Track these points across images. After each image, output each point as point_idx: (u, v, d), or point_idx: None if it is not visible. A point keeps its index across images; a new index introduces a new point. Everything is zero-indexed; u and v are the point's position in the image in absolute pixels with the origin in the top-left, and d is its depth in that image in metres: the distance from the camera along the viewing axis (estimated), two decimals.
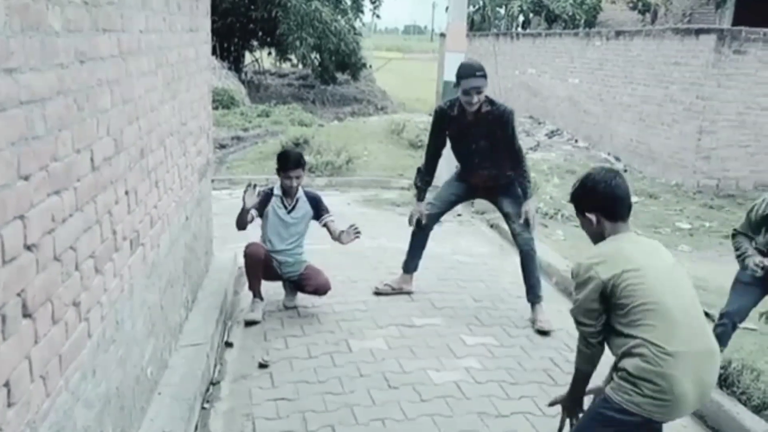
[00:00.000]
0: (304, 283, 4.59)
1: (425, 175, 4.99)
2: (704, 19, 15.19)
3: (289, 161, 4.50)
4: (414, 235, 5.11)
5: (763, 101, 9.08)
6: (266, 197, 4.56)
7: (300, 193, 4.60)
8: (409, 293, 5.05)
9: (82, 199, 2.15)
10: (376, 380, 3.71)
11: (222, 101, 15.31)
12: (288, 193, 4.54)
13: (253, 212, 4.46)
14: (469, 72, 4.42)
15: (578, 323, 2.55)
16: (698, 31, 9.54)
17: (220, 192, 8.06)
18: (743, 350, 4.12)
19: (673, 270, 2.46)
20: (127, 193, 2.69)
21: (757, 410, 3.36)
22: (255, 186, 4.47)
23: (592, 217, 2.57)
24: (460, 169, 4.97)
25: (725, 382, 3.55)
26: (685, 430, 3.40)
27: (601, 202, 2.54)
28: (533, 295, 4.71)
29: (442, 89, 10.07)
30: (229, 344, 4.13)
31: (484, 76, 4.41)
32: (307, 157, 9.73)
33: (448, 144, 4.90)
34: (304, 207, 4.60)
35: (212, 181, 7.65)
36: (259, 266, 4.48)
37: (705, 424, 3.44)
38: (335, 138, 10.96)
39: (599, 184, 2.55)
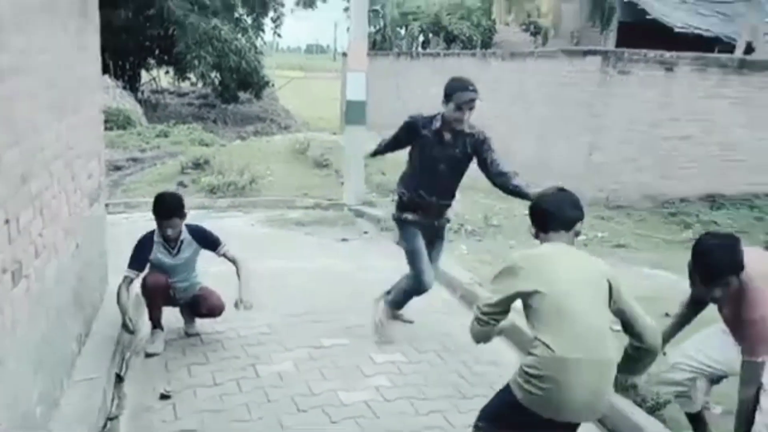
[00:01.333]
0: (198, 305, 4.42)
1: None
2: (590, 41, 16.09)
3: (162, 211, 4.17)
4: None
5: (647, 117, 9.69)
6: (146, 246, 4.25)
7: (183, 234, 4.32)
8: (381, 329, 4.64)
9: None
10: (285, 404, 3.63)
11: (117, 122, 14.72)
12: (168, 239, 4.27)
13: (133, 275, 4.18)
14: (461, 86, 4.17)
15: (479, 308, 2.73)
16: (585, 53, 10.09)
17: (116, 216, 7.72)
18: None
19: (589, 281, 2.57)
20: (7, 221, 2.50)
21: (651, 411, 3.53)
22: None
23: (533, 230, 2.89)
24: (407, 195, 4.48)
25: (621, 386, 3.71)
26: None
27: (534, 216, 2.87)
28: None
29: (345, 108, 10.12)
30: (119, 378, 3.89)
31: (476, 90, 4.18)
32: (208, 178, 9.55)
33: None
34: (189, 247, 4.35)
35: (107, 205, 7.31)
36: (160, 295, 4.30)
37: (604, 426, 3.57)
38: (238, 157, 10.76)
39: (536, 202, 2.92)
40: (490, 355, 4.41)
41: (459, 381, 4.04)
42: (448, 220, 4.73)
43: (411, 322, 4.89)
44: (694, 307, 3.38)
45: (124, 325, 4.04)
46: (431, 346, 4.52)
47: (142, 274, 4.27)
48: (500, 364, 4.29)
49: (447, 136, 4.29)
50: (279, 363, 4.15)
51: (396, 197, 4.68)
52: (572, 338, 2.42)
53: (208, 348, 4.33)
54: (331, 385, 3.88)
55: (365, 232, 7.85)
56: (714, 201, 9.62)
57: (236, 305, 4.21)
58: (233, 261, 4.36)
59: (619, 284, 2.61)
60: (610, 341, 2.53)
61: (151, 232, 4.28)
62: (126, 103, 17.25)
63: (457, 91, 4.15)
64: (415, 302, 5.39)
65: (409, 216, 4.50)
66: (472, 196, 9.60)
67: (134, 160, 12.05)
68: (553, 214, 2.78)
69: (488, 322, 2.71)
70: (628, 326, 2.65)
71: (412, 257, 4.52)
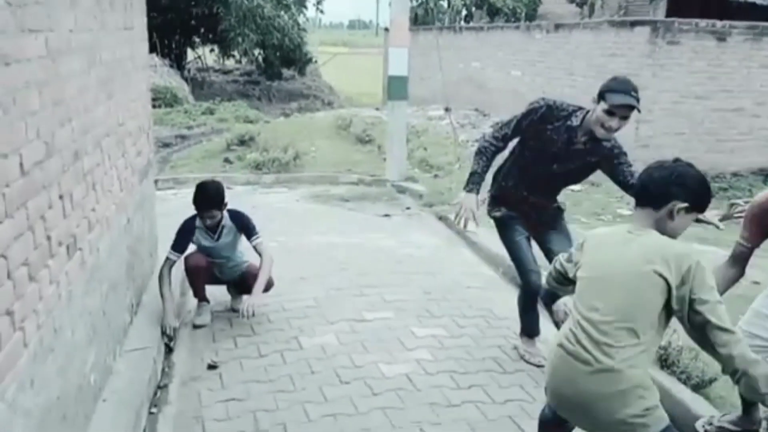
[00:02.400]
0: (246, 283, 4.49)
1: (484, 164, 3.78)
2: (639, 11, 15.61)
3: (202, 203, 4.19)
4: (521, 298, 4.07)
5: (696, 90, 9.40)
6: (188, 231, 4.30)
7: (224, 220, 4.35)
8: (538, 366, 3.86)
9: (11, 205, 2.08)
10: (328, 376, 3.71)
11: (164, 99, 15.00)
12: (209, 227, 4.33)
13: (175, 257, 4.25)
14: (621, 87, 3.47)
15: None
16: (633, 23, 9.80)
17: (165, 192, 7.91)
18: (682, 330, 4.25)
19: (627, 274, 2.23)
20: (61, 197, 2.61)
21: (696, 389, 3.49)
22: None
23: None
24: (501, 190, 3.97)
25: (666, 362, 3.67)
26: None
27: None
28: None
29: (387, 83, 10.10)
30: (169, 348, 4.03)
31: (638, 98, 3.46)
32: (253, 155, 9.69)
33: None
34: (230, 232, 4.39)
35: (156, 181, 7.51)
36: (201, 276, 4.42)
37: None
38: (282, 134, 10.87)
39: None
40: None
41: (500, 355, 4.05)
42: (561, 209, 4.08)
43: (541, 366, 3.79)
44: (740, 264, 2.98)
45: (164, 332, 4.03)
46: (473, 321, 4.54)
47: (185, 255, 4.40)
48: (542, 340, 4.29)
49: (581, 138, 3.59)
50: (322, 335, 4.23)
51: (489, 194, 4.07)
52: (571, 326, 2.31)
53: (254, 321, 4.42)
54: (372, 358, 3.94)
55: (407, 208, 7.88)
56: (767, 175, 9.31)
57: (242, 306, 4.14)
58: (261, 254, 4.34)
59: (683, 282, 2.15)
60: (619, 349, 2.18)
61: (194, 217, 4.35)
62: (173, 80, 17.54)
63: (615, 93, 3.44)
64: (460, 277, 5.43)
65: (503, 211, 3.99)
66: None
67: (182, 137, 12.29)
68: (642, 187, 2.36)
69: (555, 283, 2.69)
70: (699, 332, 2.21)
71: (511, 254, 4.01)
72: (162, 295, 4.16)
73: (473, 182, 3.78)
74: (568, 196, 8.29)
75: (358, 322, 4.45)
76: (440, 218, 7.32)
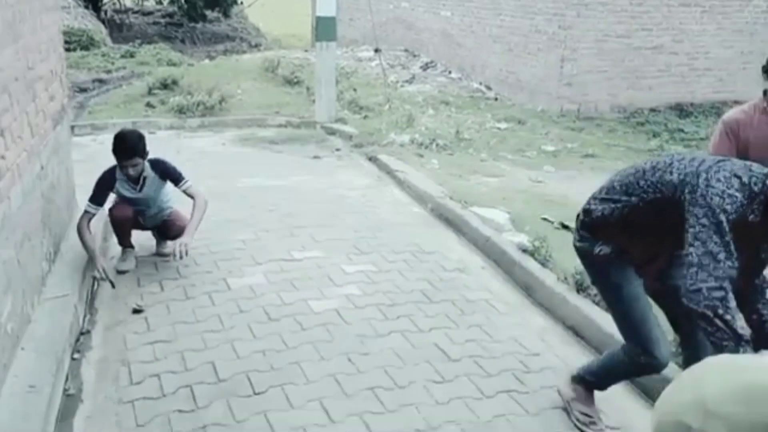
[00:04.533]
0: (169, 230, 4.41)
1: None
2: None
3: (122, 152, 4.03)
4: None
5: (619, 29, 9.59)
6: (108, 183, 4.16)
7: (146, 171, 4.22)
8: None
9: None
10: (257, 315, 3.73)
11: (80, 42, 14.21)
12: (131, 177, 4.19)
13: (93, 210, 4.10)
14: None
15: None
16: None
17: (83, 138, 7.60)
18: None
19: None
20: None
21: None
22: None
23: None
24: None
25: (581, 286, 3.86)
26: (545, 331, 3.68)
27: None
28: None
29: (315, 25, 9.87)
30: (91, 295, 3.96)
31: None
32: (176, 98, 9.36)
33: None
34: (153, 183, 4.27)
35: (72, 127, 7.18)
36: (127, 225, 4.32)
37: (564, 324, 3.74)
38: (206, 77, 10.52)
39: None
40: (457, 263, 4.55)
41: (427, 287, 4.16)
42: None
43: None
44: None
45: (96, 271, 3.97)
46: (401, 257, 4.62)
47: (107, 206, 4.27)
48: (466, 271, 4.43)
49: None
50: (251, 276, 4.23)
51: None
52: None
53: (181, 263, 4.37)
54: (302, 295, 3.97)
55: (337, 150, 7.84)
56: (682, 110, 9.69)
57: (171, 249, 4.09)
58: (193, 197, 4.25)
59: None
60: None
61: (113, 168, 4.19)
62: (88, 23, 16.60)
63: None
64: (388, 216, 5.49)
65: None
66: (444, 110, 9.58)
67: (100, 82, 11.72)
68: None
69: None
70: None
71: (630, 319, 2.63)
72: (85, 246, 4.05)
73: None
74: (493, 134, 8.45)
75: (288, 262, 4.47)
76: (370, 159, 7.33)
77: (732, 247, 2.13)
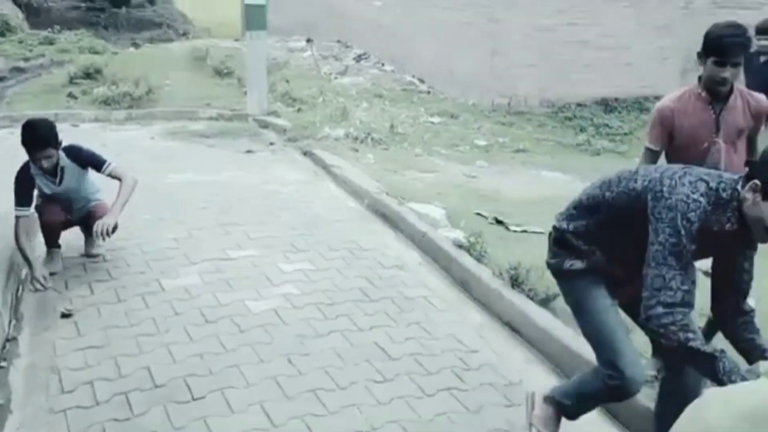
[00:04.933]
0: (91, 219, 4.15)
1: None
2: None
3: (32, 143, 3.78)
4: None
5: (545, 23, 9.84)
6: (27, 182, 3.92)
7: (62, 161, 3.99)
8: None
9: None
10: (193, 317, 3.65)
11: None
12: (46, 170, 3.95)
13: (25, 212, 3.90)
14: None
15: None
16: None
17: (1, 131, 7.21)
18: (532, 251, 4.58)
19: None
20: None
21: (542, 303, 3.80)
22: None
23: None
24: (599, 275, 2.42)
25: (516, 281, 3.96)
26: (482, 327, 3.76)
27: None
28: None
29: (244, 12, 9.67)
30: (15, 300, 3.77)
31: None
32: (101, 89, 9.02)
33: None
34: (73, 173, 4.05)
35: None
36: (59, 228, 4.15)
37: (501, 320, 3.82)
38: (132, 66, 10.17)
39: None
40: (394, 260, 4.57)
41: (366, 285, 4.16)
42: None
43: None
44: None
45: (35, 280, 3.81)
46: (339, 254, 4.61)
47: (33, 206, 4.04)
48: (404, 268, 4.46)
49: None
50: (185, 276, 4.13)
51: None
52: None
53: (111, 265, 4.23)
54: (238, 296, 3.91)
55: (271, 144, 7.74)
56: (607, 105, 10.04)
57: (96, 225, 3.91)
58: (120, 178, 4.07)
59: None
60: None
61: (26, 165, 3.94)
62: (3, 7, 15.71)
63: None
64: (324, 212, 5.46)
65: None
66: (378, 104, 9.60)
67: (17, 70, 11.12)
68: None
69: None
70: None
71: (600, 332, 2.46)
72: (24, 256, 3.87)
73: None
74: (427, 128, 8.52)
75: (223, 261, 4.39)
76: (305, 153, 7.27)
77: (690, 270, 2.07)
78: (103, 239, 3.89)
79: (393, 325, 3.70)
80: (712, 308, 2.37)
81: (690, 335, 2.04)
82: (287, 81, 10.27)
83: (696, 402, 1.11)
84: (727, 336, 2.35)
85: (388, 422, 2.86)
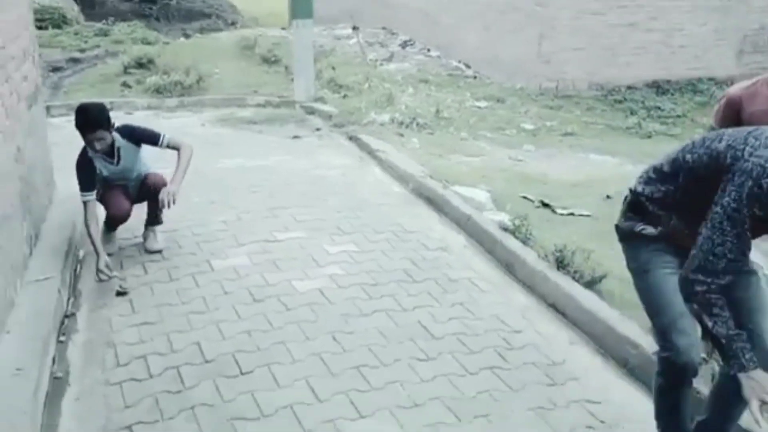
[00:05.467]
0: (145, 187, 4.23)
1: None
2: None
3: (85, 126, 3.87)
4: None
5: (594, 6, 9.61)
6: (87, 165, 3.99)
7: (117, 141, 4.06)
8: None
9: None
10: (241, 296, 3.75)
11: (52, 20, 13.89)
12: (103, 152, 4.02)
13: (91, 197, 3.98)
14: None
15: None
16: None
17: (59, 119, 7.48)
18: (578, 233, 4.53)
19: None
20: None
21: (588, 285, 3.77)
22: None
23: None
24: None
25: (561, 263, 3.93)
26: (527, 309, 3.75)
27: None
28: None
29: (291, 2, 9.77)
30: (75, 277, 3.92)
31: None
32: (153, 78, 9.25)
33: None
34: (128, 151, 4.13)
35: (48, 108, 7.08)
36: (125, 220, 4.27)
37: (545, 302, 3.81)
38: (183, 56, 10.39)
39: None
40: (439, 242, 4.59)
41: (409, 267, 4.20)
42: None
43: None
44: None
45: (99, 271, 3.76)
46: (383, 236, 4.65)
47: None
48: (448, 250, 4.47)
49: None
50: (234, 257, 4.24)
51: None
52: None
53: (163, 246, 4.37)
54: (285, 276, 3.99)
55: (317, 129, 7.81)
56: (659, 87, 9.77)
57: (161, 193, 3.99)
58: (177, 148, 4.15)
59: None
60: None
61: (84, 150, 4.03)
62: (59, 0, 16.23)
63: None
64: (369, 196, 5.50)
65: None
66: (423, 89, 9.58)
67: (74, 61, 11.49)
68: None
69: None
70: None
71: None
72: (93, 244, 3.89)
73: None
74: (473, 112, 8.47)
75: (270, 243, 4.48)
76: (351, 138, 7.32)
77: (743, 239, 1.97)
78: (168, 207, 3.98)
79: (436, 306, 3.72)
80: None
81: (715, 310, 2.00)
82: (333, 68, 10.33)
83: None
84: None
85: (431, 399, 2.89)
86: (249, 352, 3.21)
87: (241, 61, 10.75)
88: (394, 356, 3.20)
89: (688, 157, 2.18)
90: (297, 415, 2.77)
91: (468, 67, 11.21)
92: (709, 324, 2.02)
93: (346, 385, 2.97)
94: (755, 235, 2.08)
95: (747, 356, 2.01)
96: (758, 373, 2.02)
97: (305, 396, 2.90)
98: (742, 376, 2.03)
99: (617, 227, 2.47)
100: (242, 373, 3.04)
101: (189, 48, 11.41)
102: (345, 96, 9.09)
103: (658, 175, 2.30)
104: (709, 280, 2.00)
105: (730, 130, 2.13)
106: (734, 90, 3.09)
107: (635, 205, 2.38)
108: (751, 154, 1.94)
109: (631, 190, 2.41)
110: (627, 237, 2.42)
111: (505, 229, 4.53)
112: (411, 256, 4.34)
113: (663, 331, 2.28)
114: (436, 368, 3.12)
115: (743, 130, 2.07)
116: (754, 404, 2.01)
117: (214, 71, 9.97)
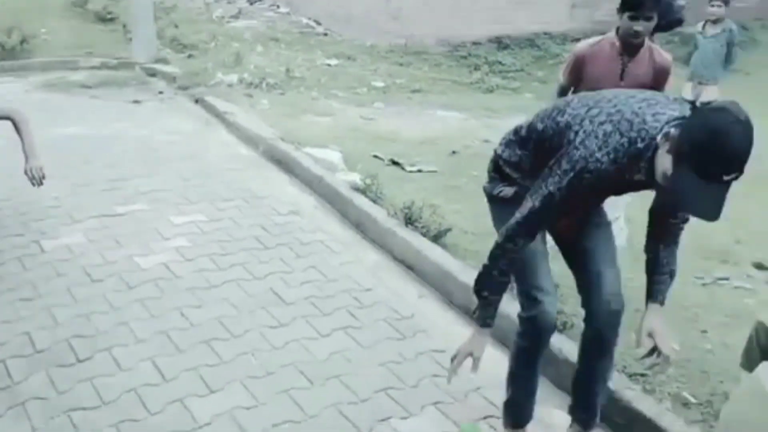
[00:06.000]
0: None
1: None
2: None
3: None
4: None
5: None
6: None
7: None
8: None
9: None
10: (76, 277, 3.49)
11: None
12: None
13: None
14: None
15: None
16: None
17: None
18: (426, 190, 4.66)
19: None
20: None
21: (434, 239, 3.89)
22: None
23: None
24: None
25: (410, 220, 4.02)
26: (377, 266, 3.82)
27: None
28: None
29: None
30: None
31: None
32: None
33: None
34: None
35: None
36: None
37: (395, 258, 3.89)
38: (2, 14, 9.35)
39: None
40: (290, 206, 4.53)
41: (261, 233, 4.12)
42: None
43: None
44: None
45: None
46: (233, 203, 4.51)
47: None
48: (300, 213, 4.44)
49: None
50: (68, 236, 3.93)
51: None
52: None
53: None
54: (127, 252, 3.77)
55: (160, 92, 7.38)
56: (501, 43, 10.14)
57: (26, 173, 3.65)
58: (8, 117, 3.78)
59: None
60: None
61: None
62: None
63: None
64: (217, 160, 5.30)
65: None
66: (273, 47, 9.32)
67: None
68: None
69: None
70: None
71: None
72: None
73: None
74: (324, 71, 8.38)
75: (109, 218, 4.20)
76: (197, 101, 6.99)
77: (542, 220, 2.11)
78: (41, 183, 3.63)
79: (289, 271, 3.69)
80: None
81: (494, 273, 2.19)
82: (176, 26, 9.76)
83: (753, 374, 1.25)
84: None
85: (283, 366, 2.88)
86: (87, 336, 3.01)
87: (72, 19, 9.87)
88: (245, 327, 3.15)
89: (539, 125, 2.20)
90: (141, 397, 2.65)
91: (319, 24, 11.03)
92: (490, 274, 2.20)
93: (194, 362, 2.88)
94: (619, 193, 2.23)
95: (489, 320, 2.26)
96: (480, 337, 2.27)
97: (151, 377, 2.78)
98: (474, 329, 2.29)
99: (484, 188, 2.49)
100: (79, 361, 2.85)
101: (10, 3, 10.28)
102: (190, 56, 8.64)
103: (516, 138, 2.32)
104: (506, 240, 2.15)
105: (575, 101, 2.14)
106: (580, 47, 3.24)
107: (495, 166, 2.41)
108: (581, 142, 1.98)
109: (495, 151, 2.42)
110: (490, 198, 2.46)
111: (356, 189, 4.55)
112: (262, 222, 4.26)
113: (526, 292, 2.33)
114: (288, 334, 3.11)
115: (584, 105, 2.07)
116: (461, 357, 2.27)
117: (41, 31, 9.07)
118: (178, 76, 7.70)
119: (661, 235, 2.26)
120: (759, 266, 4.03)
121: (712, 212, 1.80)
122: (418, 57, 9.44)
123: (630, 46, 3.07)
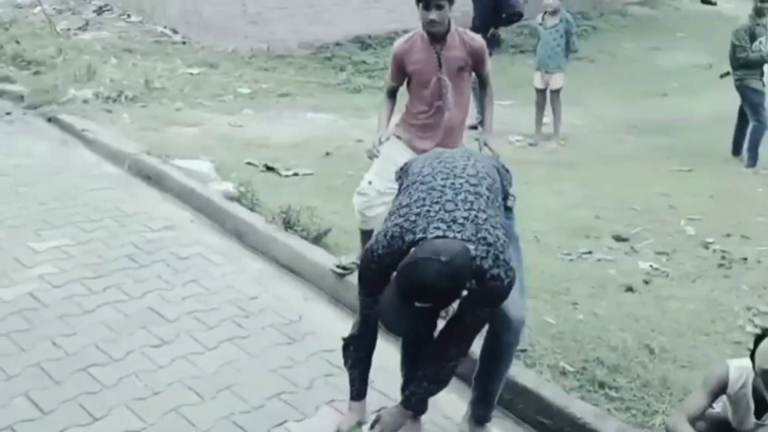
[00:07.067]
0: None
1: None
2: None
3: None
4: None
5: None
6: None
7: None
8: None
9: None
10: None
11: None
12: None
13: None
14: None
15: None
16: None
17: None
18: (303, 193, 4.67)
19: None
20: None
21: (315, 241, 3.92)
22: None
23: None
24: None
25: (289, 224, 4.02)
26: (261, 274, 3.79)
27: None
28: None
29: None
30: None
31: None
32: None
33: None
34: None
35: None
36: None
37: (278, 264, 3.89)
38: None
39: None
40: (164, 221, 4.39)
41: (134, 252, 3.96)
42: None
43: None
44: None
45: None
46: (100, 224, 4.29)
47: None
48: (175, 228, 4.31)
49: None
50: None
51: None
52: None
53: None
54: None
55: (7, 114, 6.85)
56: (362, 42, 10.30)
57: None
58: None
59: None
60: None
61: None
62: None
63: None
64: (79, 181, 5.01)
65: None
66: (128, 59, 8.93)
67: None
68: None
69: None
70: None
71: None
72: None
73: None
74: (186, 80, 8.14)
75: None
76: (50, 120, 6.56)
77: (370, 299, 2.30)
78: None
79: (168, 288, 3.59)
80: None
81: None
82: (17, 41, 9.10)
83: None
84: None
85: (170, 384, 2.81)
86: None
87: None
88: (125, 349, 3.03)
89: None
90: None
91: (175, 32, 10.68)
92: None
93: (73, 391, 2.74)
94: None
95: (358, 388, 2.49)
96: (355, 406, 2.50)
97: (27, 412, 2.62)
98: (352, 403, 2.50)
99: None
100: None
101: None
102: (36, 72, 8.08)
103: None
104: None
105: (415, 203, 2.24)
106: (396, 46, 3.32)
107: None
108: (376, 239, 2.27)
109: None
110: None
111: (231, 198, 4.49)
112: (134, 240, 4.10)
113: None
114: (173, 352, 3.03)
115: (415, 211, 2.20)
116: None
117: None
118: (26, 95, 7.18)
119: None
120: (618, 238, 4.39)
121: (396, 329, 2.29)
122: (283, 61, 9.41)
123: (434, 35, 3.18)
